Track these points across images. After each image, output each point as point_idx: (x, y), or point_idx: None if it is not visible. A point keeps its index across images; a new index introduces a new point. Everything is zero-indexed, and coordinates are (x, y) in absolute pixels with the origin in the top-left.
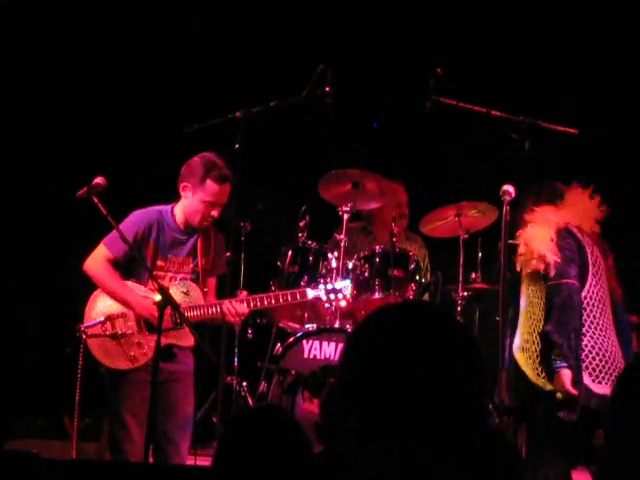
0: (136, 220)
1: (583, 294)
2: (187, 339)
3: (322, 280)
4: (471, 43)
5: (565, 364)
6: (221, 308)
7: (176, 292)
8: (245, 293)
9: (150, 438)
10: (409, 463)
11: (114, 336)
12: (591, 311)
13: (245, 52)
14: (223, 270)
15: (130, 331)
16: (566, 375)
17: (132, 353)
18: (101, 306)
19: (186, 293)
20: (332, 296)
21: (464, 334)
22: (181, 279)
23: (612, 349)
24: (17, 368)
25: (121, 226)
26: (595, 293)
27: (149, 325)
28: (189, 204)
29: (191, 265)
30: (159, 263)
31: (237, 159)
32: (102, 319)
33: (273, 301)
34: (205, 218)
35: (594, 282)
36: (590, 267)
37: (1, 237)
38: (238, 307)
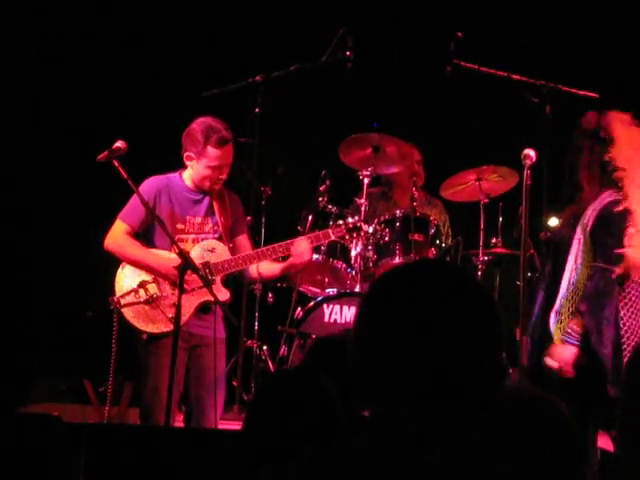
0: (144, 188)
1: None
2: (221, 294)
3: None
4: (492, 6)
5: None
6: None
7: (203, 250)
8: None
9: (171, 401)
10: (420, 426)
11: (149, 301)
12: None
13: (265, 16)
14: (246, 229)
15: (165, 293)
16: None
17: (170, 315)
18: (130, 275)
19: (211, 250)
20: (355, 234)
21: (478, 289)
22: (203, 239)
23: None
24: (31, 333)
25: (132, 198)
26: None
27: (180, 278)
28: (196, 172)
29: (210, 224)
30: (179, 226)
31: (257, 123)
32: (135, 286)
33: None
34: (214, 182)
35: None
36: None
37: (21, 205)
38: (303, 245)
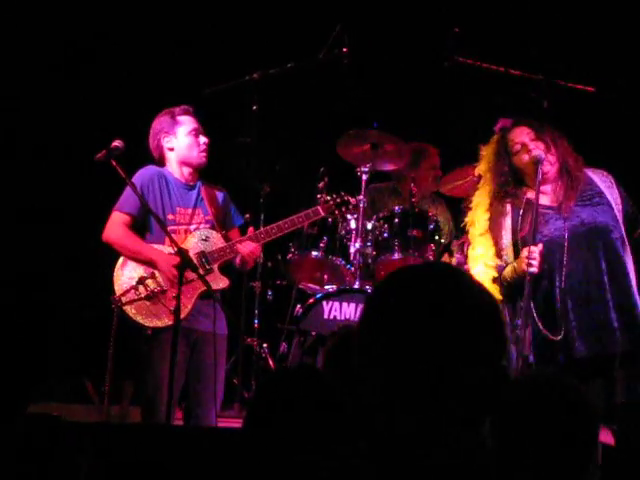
0: (136, 178)
1: None
2: (220, 281)
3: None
4: (489, 1)
5: None
6: (236, 247)
7: (196, 240)
8: (251, 229)
9: (172, 398)
10: (424, 428)
11: (150, 297)
12: None
13: (262, 13)
14: (240, 220)
15: (165, 287)
16: None
17: (172, 308)
18: (128, 273)
19: (205, 239)
20: (344, 208)
21: (481, 293)
22: (195, 229)
23: None
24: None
25: (126, 188)
26: None
27: (180, 277)
28: (179, 148)
29: (202, 215)
30: (169, 217)
31: (254, 121)
32: (134, 284)
33: (286, 227)
34: (200, 148)
35: None
36: None
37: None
38: (249, 245)
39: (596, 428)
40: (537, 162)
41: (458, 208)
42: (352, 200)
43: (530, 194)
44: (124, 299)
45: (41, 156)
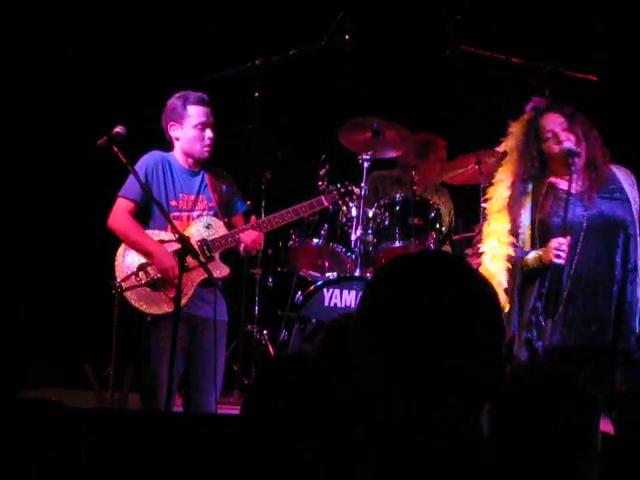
0: (139, 164)
1: None
2: (221, 270)
3: (334, 187)
4: None
5: None
6: (239, 236)
7: (198, 227)
8: (254, 218)
9: (171, 385)
10: (423, 414)
11: (150, 283)
12: None
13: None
14: (243, 207)
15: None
16: None
17: (172, 295)
18: (130, 259)
19: (208, 227)
20: (347, 198)
21: (481, 281)
22: (198, 216)
23: None
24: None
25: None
26: None
27: (181, 264)
28: (183, 138)
29: (205, 202)
30: (172, 203)
31: (257, 107)
32: (135, 270)
33: (289, 216)
34: (204, 142)
35: None
36: None
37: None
38: (252, 234)
39: (596, 417)
40: (567, 154)
41: (461, 199)
42: (356, 190)
43: (553, 179)
44: (125, 285)
45: (42, 144)
